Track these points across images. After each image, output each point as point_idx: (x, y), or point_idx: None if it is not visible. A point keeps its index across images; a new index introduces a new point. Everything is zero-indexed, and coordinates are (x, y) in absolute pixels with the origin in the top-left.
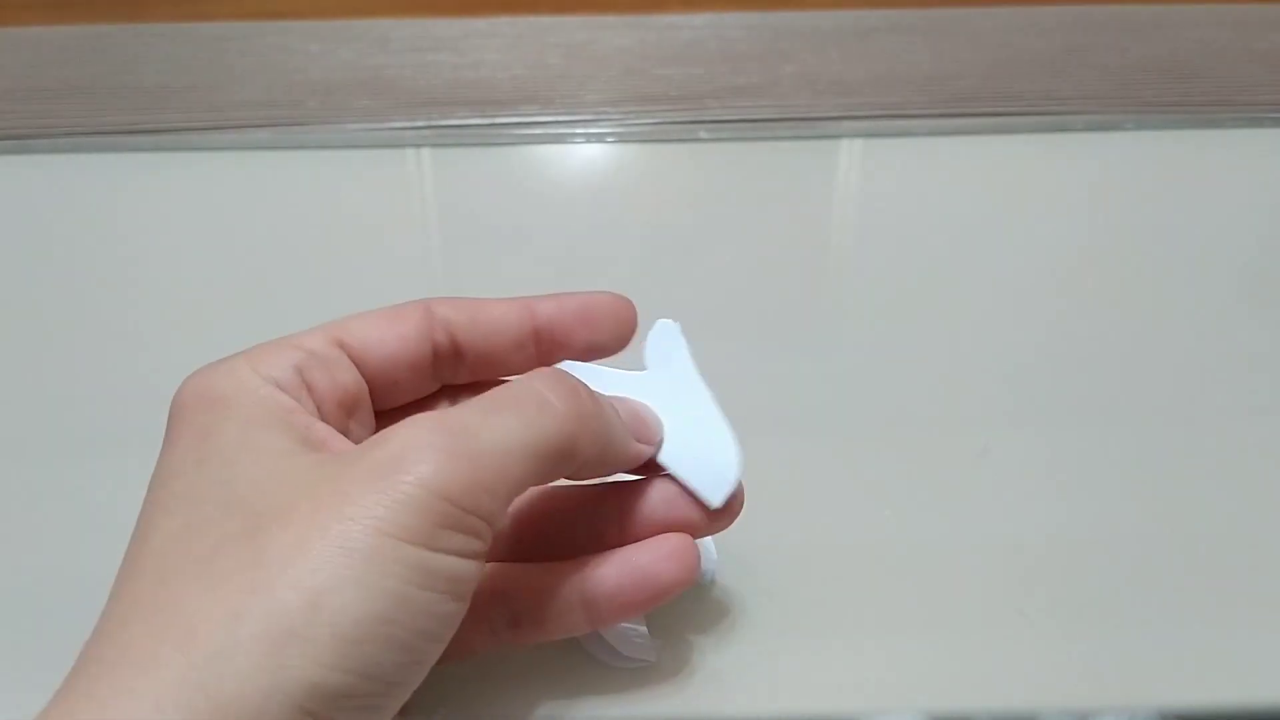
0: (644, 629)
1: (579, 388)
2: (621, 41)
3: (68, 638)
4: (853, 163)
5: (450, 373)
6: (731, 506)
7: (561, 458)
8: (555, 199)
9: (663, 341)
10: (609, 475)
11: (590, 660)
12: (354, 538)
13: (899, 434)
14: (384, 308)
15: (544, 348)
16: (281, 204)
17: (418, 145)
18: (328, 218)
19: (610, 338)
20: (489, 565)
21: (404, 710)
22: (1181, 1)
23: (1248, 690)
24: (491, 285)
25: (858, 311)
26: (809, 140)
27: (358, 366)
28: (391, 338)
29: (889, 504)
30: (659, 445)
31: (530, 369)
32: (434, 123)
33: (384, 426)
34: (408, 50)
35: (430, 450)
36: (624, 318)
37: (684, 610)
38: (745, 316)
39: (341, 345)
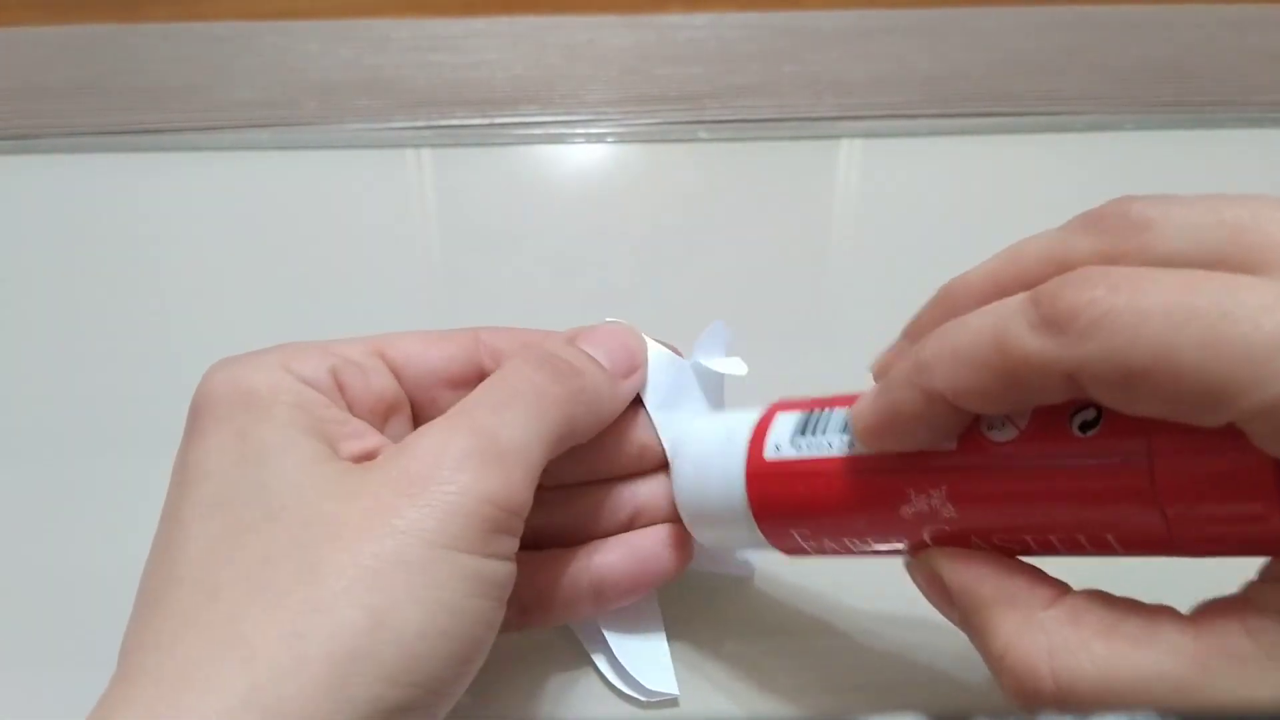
0: (668, 661)
1: (562, 366)
2: (621, 41)
3: (67, 635)
4: (853, 163)
5: None
6: None
7: (567, 438)
8: (555, 199)
9: (712, 342)
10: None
11: (589, 661)
12: (408, 553)
13: None
14: (434, 330)
15: None
16: (281, 204)
17: (418, 145)
18: (328, 218)
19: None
20: None
21: None
22: (1181, 1)
23: None
24: (491, 285)
25: (857, 311)
26: (809, 140)
27: (397, 378)
28: (434, 354)
29: None
30: (644, 369)
31: None
32: (434, 123)
33: None
34: (408, 50)
35: (465, 458)
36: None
37: (684, 610)
38: (745, 316)
39: (380, 354)
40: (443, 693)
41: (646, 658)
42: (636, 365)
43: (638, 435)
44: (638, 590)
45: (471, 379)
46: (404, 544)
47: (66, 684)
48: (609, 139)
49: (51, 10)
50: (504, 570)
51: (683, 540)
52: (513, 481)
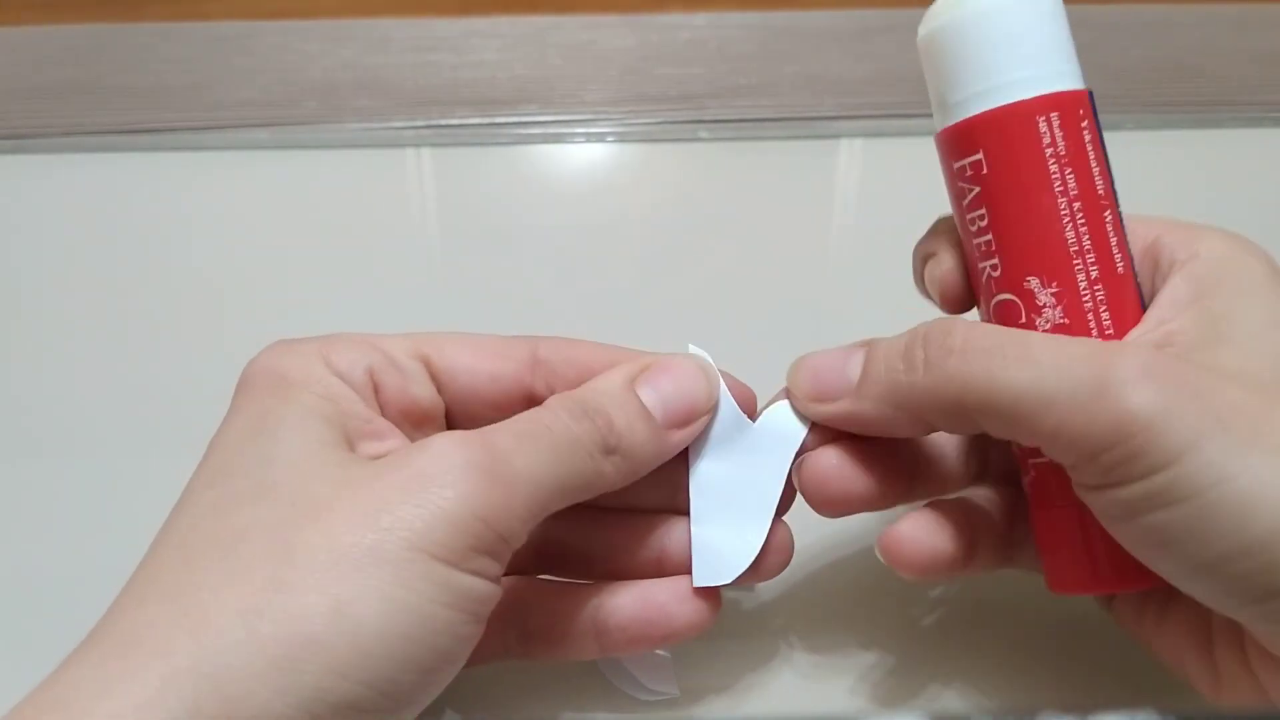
0: (668, 659)
1: (602, 424)
2: (621, 41)
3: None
4: (853, 163)
5: None
6: (763, 567)
7: (588, 488)
8: (555, 199)
9: (780, 418)
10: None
11: (590, 661)
12: (386, 549)
13: None
14: (490, 337)
15: None
16: (281, 204)
17: (418, 145)
18: (328, 218)
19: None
20: (507, 578)
21: None
22: (1181, 1)
23: None
24: (492, 286)
25: (857, 311)
26: (809, 140)
27: (438, 387)
28: (483, 373)
29: None
30: (703, 420)
31: None
32: (434, 123)
33: None
34: (408, 50)
35: (469, 469)
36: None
37: None
38: (745, 316)
39: (425, 361)
40: (399, 699)
41: (647, 658)
42: (694, 417)
43: (674, 474)
44: (645, 641)
45: (517, 403)
46: (384, 540)
47: None
48: (609, 139)
49: (51, 10)
50: (481, 587)
51: (701, 597)
52: (511, 506)
